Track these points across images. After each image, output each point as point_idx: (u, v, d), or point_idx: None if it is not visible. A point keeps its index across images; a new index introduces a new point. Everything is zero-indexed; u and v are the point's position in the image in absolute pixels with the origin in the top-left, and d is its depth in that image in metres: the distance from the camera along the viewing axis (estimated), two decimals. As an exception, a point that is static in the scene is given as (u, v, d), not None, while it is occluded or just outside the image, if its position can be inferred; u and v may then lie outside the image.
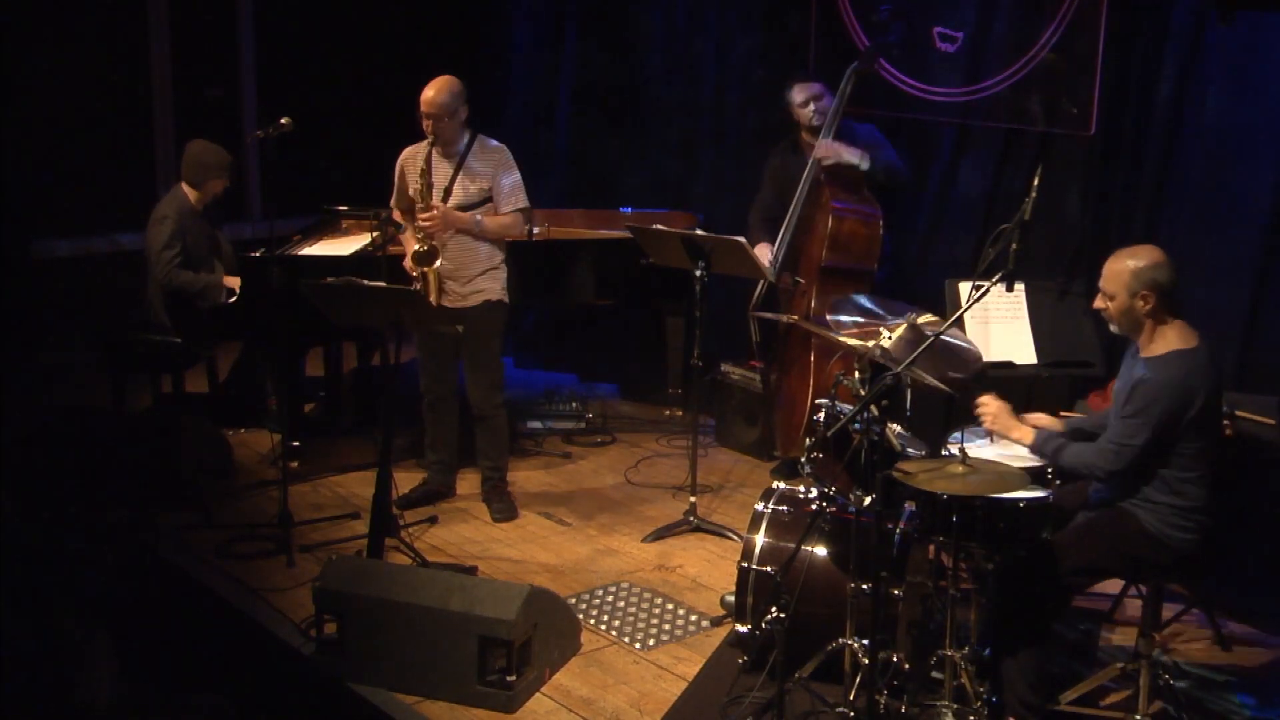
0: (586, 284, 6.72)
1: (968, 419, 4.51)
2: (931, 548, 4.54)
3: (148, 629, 4.56)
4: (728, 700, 4.42)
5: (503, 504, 6.03)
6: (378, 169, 6.01)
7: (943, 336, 4.26)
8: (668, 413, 7.25)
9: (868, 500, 4.14)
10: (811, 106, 6.10)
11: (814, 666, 4.43)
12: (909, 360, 4.10)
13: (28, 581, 4.32)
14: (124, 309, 6.68)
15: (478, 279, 5.75)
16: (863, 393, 4.26)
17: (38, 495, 5.62)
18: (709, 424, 6.91)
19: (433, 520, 5.93)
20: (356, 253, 6.47)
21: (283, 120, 5.59)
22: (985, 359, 5.05)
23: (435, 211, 5.58)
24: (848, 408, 4.41)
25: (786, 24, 6.99)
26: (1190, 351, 4.07)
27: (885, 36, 6.28)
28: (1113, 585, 4.93)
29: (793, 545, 4.31)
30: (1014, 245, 4.15)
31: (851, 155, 6.00)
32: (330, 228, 6.92)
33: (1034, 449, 4.23)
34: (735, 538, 5.70)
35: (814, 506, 4.59)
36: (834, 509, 4.51)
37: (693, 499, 5.89)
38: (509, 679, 4.42)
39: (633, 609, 5.19)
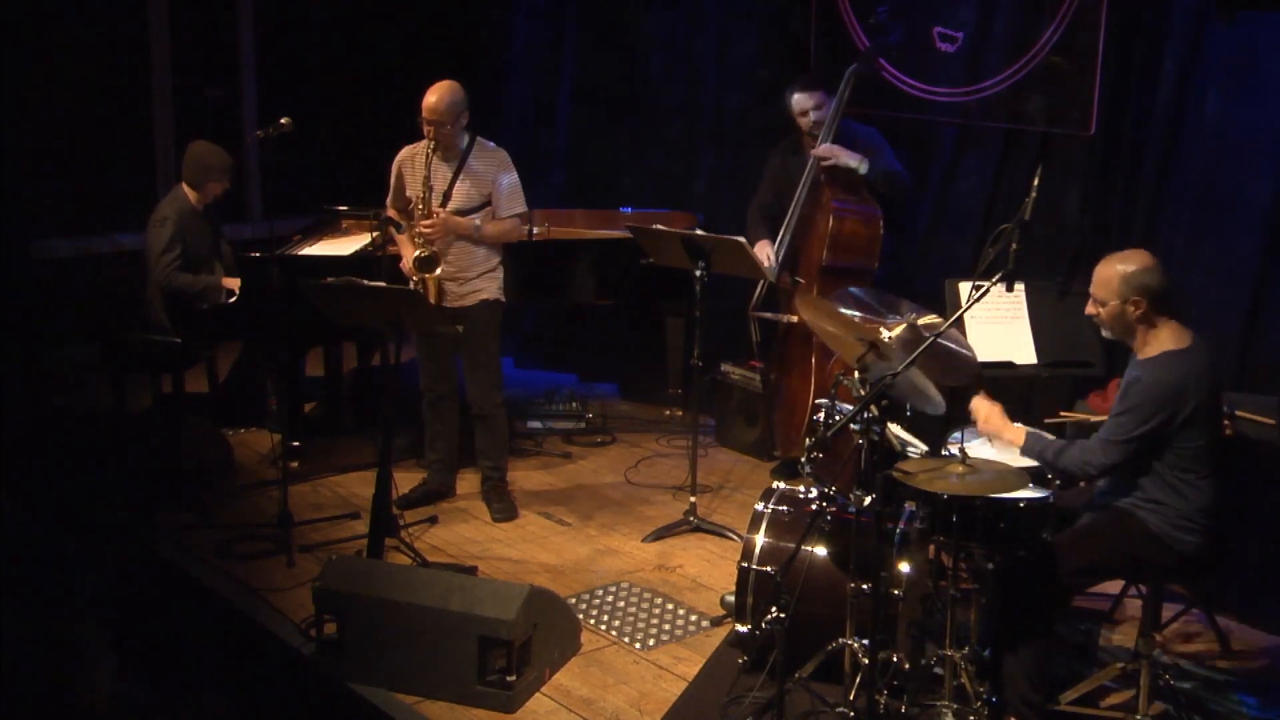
0: (586, 284, 6.72)
1: (968, 419, 4.50)
2: (931, 548, 4.54)
3: (148, 629, 4.56)
4: (728, 700, 4.42)
5: (503, 504, 6.03)
6: (378, 169, 6.01)
7: (940, 341, 4.25)
8: (668, 413, 7.26)
9: (868, 500, 4.14)
10: (811, 115, 6.11)
11: (814, 666, 4.43)
12: (908, 361, 4.10)
13: (28, 581, 4.33)
14: (124, 309, 6.68)
15: (475, 280, 5.75)
16: (863, 393, 4.26)
17: (38, 495, 5.62)
18: (709, 424, 6.91)
19: (433, 520, 5.93)
20: (356, 253, 6.47)
21: (283, 120, 5.59)
22: (985, 359, 5.04)
23: (436, 219, 5.58)
24: (848, 408, 4.41)
25: (787, 24, 6.99)
26: (1183, 351, 4.07)
27: (884, 37, 6.27)
28: (1113, 585, 4.93)
29: (793, 545, 4.31)
30: (1014, 245, 4.15)
31: (851, 159, 5.99)
32: (330, 228, 6.92)
33: (1025, 451, 4.22)
34: (735, 538, 5.70)
35: (814, 506, 4.59)
36: (834, 509, 4.51)
37: (693, 499, 5.89)
38: (509, 679, 4.42)
39: (633, 609, 5.19)
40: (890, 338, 4.34)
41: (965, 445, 4.16)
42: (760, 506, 4.75)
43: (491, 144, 5.78)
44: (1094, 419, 4.88)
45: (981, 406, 4.39)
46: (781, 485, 4.88)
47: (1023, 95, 6.00)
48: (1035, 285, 5.53)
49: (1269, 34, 5.22)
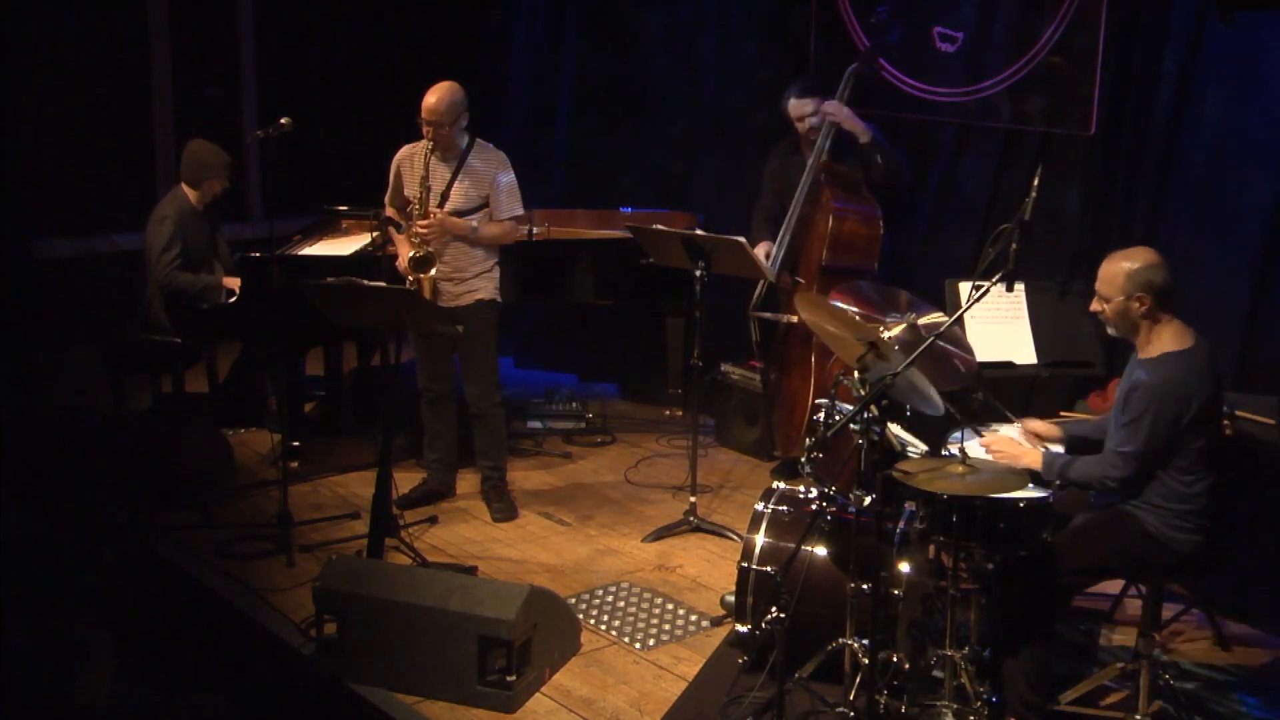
0: (586, 284, 6.72)
1: (968, 419, 4.50)
2: (931, 548, 4.54)
3: (148, 629, 4.56)
4: (728, 700, 4.42)
5: (503, 504, 6.03)
6: (378, 169, 6.01)
7: (939, 343, 4.25)
8: (668, 413, 7.26)
9: (868, 500, 4.14)
10: (807, 123, 6.11)
11: (814, 666, 4.43)
12: (907, 362, 4.10)
13: (28, 581, 4.32)
14: (124, 309, 6.68)
15: (472, 280, 5.75)
16: (863, 393, 4.26)
17: (38, 495, 5.62)
18: (709, 424, 6.91)
19: (433, 520, 5.93)
20: (356, 253, 6.47)
21: (283, 120, 5.59)
22: (985, 359, 5.04)
23: (433, 219, 5.58)
24: (848, 407, 4.41)
25: (787, 24, 6.99)
26: (1186, 352, 4.07)
27: (884, 37, 6.28)
28: (1113, 585, 4.94)
29: (793, 545, 4.31)
30: (1014, 245, 4.15)
31: (856, 124, 5.99)
32: (330, 228, 6.93)
33: (1044, 473, 4.21)
34: (735, 538, 5.70)
35: (814, 506, 4.59)
36: (834, 509, 4.51)
37: (693, 499, 5.89)
38: (509, 679, 4.42)
39: (633, 609, 5.19)
40: (890, 338, 4.34)
41: (965, 445, 4.16)
42: (760, 506, 4.75)
43: (491, 146, 5.78)
44: (1094, 419, 4.88)
45: (993, 444, 4.38)
46: (781, 485, 4.88)
47: (1023, 95, 6.00)
48: (1035, 285, 5.54)
49: (1269, 34, 5.22)
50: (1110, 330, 4.23)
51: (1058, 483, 4.19)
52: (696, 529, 5.84)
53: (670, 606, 5.21)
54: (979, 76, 6.16)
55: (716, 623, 5.07)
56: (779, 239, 6.22)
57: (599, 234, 6.96)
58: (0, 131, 7.40)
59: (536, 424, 7.15)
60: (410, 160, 5.73)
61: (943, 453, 4.34)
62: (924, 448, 4.56)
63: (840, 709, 4.25)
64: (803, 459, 4.63)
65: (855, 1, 6.59)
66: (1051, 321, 5.50)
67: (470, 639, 4.42)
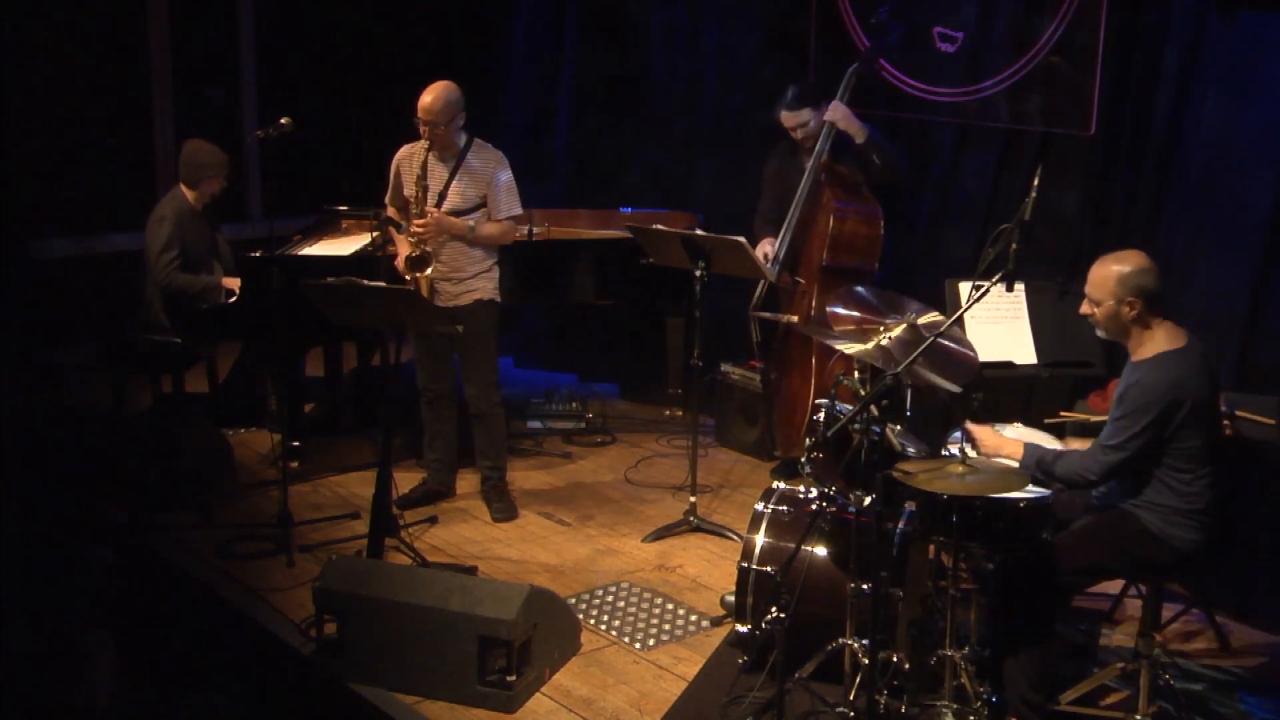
0: (586, 284, 6.72)
1: (968, 418, 4.50)
2: (931, 548, 4.54)
3: (148, 629, 4.56)
4: (728, 700, 4.42)
5: (503, 504, 6.03)
6: (378, 169, 6.01)
7: (940, 342, 4.25)
8: (668, 413, 7.26)
9: (868, 500, 4.14)
10: (799, 132, 6.12)
11: (814, 666, 4.43)
12: (908, 361, 4.10)
13: (28, 581, 4.32)
14: (124, 309, 6.68)
15: (471, 279, 5.75)
16: (863, 393, 4.26)
17: (38, 495, 5.62)
18: (709, 424, 6.91)
19: (433, 520, 5.93)
20: (356, 253, 6.47)
21: (283, 120, 5.59)
22: (985, 359, 5.04)
23: (429, 218, 5.58)
24: (848, 408, 4.41)
25: (787, 24, 6.99)
26: (1179, 351, 4.07)
27: (884, 37, 6.28)
28: (1113, 585, 4.94)
29: (793, 545, 4.31)
30: (1014, 245, 4.14)
31: (854, 125, 6.00)
32: (330, 228, 6.92)
33: (1024, 465, 4.21)
34: (735, 538, 5.70)
35: (814, 506, 4.59)
36: (834, 509, 4.51)
37: (693, 499, 5.89)
38: (509, 679, 4.42)
39: (633, 609, 5.19)
40: (890, 339, 4.34)
41: (965, 445, 4.16)
42: (760, 506, 4.75)
43: (489, 145, 5.78)
44: (1094, 419, 4.88)
45: (975, 431, 4.38)
46: (781, 485, 4.88)
47: (1022, 95, 6.00)
48: (1035, 285, 5.53)
49: (1269, 34, 5.22)
50: (1100, 333, 4.23)
51: (1036, 475, 4.19)
52: (696, 529, 5.84)
53: (670, 606, 5.21)
54: (979, 76, 6.16)
55: (716, 623, 5.07)
56: (779, 239, 6.22)
57: (599, 234, 6.96)
58: (0, 131, 7.40)
59: (536, 424, 7.15)
60: (409, 160, 5.73)
61: (943, 453, 4.34)
62: (924, 448, 4.56)
63: (840, 709, 4.25)
64: (803, 459, 4.63)
65: (855, 1, 6.59)
66: (1051, 321, 5.49)
67: (470, 639, 4.42)
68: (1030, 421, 4.77)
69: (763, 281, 6.28)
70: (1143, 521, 4.12)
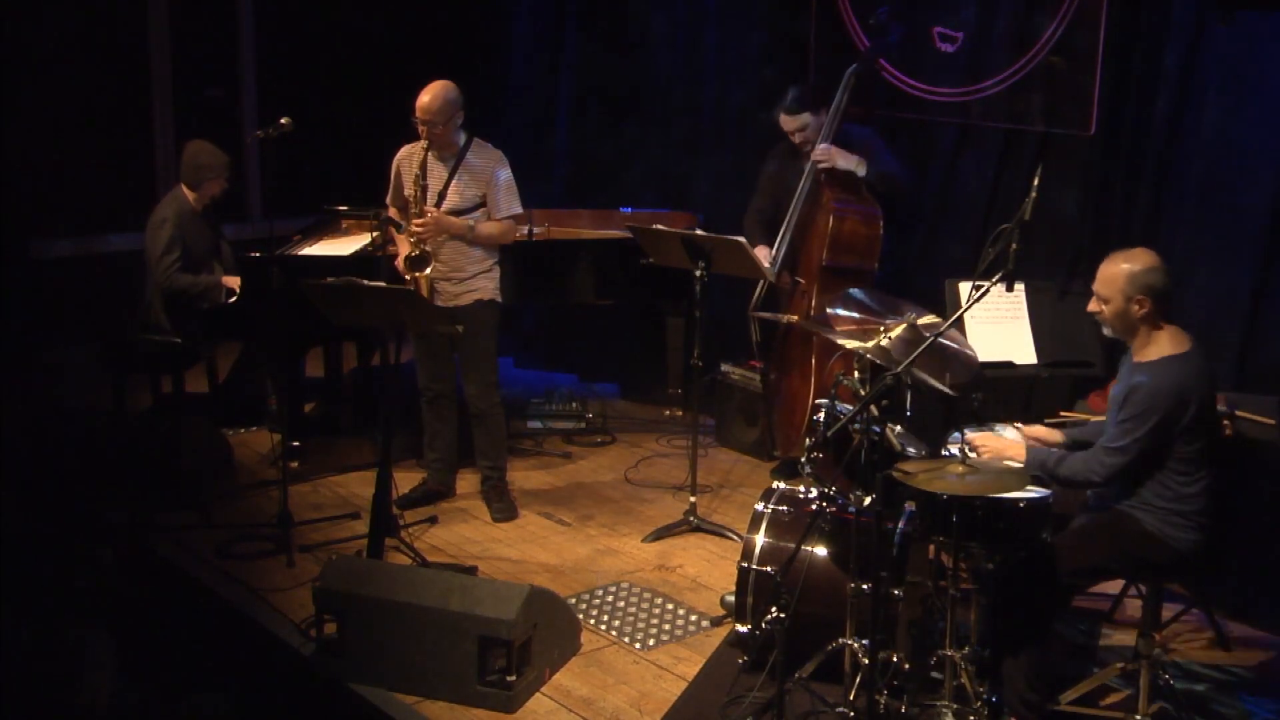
0: (586, 284, 6.72)
1: (968, 419, 4.50)
2: (931, 548, 4.54)
3: (148, 629, 4.56)
4: (728, 700, 4.42)
5: (503, 504, 6.03)
6: (378, 169, 6.01)
7: (940, 341, 4.25)
8: (668, 413, 7.26)
9: (868, 500, 4.14)
10: (797, 137, 6.12)
11: (814, 666, 4.43)
12: (907, 361, 4.10)
13: (28, 581, 4.33)
14: (124, 309, 6.68)
15: (471, 279, 5.75)
16: (863, 393, 4.25)
17: (38, 495, 5.62)
18: (709, 424, 6.91)
19: (433, 520, 5.93)
20: (356, 253, 6.47)
21: (283, 120, 5.59)
22: (985, 359, 5.05)
23: (428, 217, 5.58)
24: (848, 408, 4.41)
25: (788, 24, 6.99)
26: (1183, 356, 4.07)
27: (884, 37, 6.28)
28: (1113, 585, 4.94)
29: (793, 545, 4.31)
30: (1014, 245, 4.14)
31: (848, 162, 6.00)
32: (330, 228, 6.92)
33: (1027, 466, 4.20)
34: (735, 538, 5.70)
35: (814, 506, 4.59)
36: (834, 509, 4.51)
37: (693, 499, 5.89)
38: (509, 679, 4.42)
39: (633, 609, 5.19)
40: (890, 338, 4.34)
41: (965, 445, 4.16)
42: (760, 506, 4.75)
43: (489, 145, 5.78)
44: (1094, 419, 4.88)
45: (976, 439, 4.38)
46: (781, 485, 4.88)
47: (1022, 95, 6.00)
48: (1035, 285, 5.53)
49: (1269, 34, 5.22)
50: (1106, 331, 4.23)
51: (1040, 477, 4.18)
52: (696, 529, 5.84)
53: (670, 606, 5.21)
54: (979, 76, 6.16)
55: (716, 623, 5.07)
56: (779, 239, 6.22)
57: (599, 234, 6.96)
58: (0, 131, 7.40)
59: (536, 424, 7.15)
60: (409, 159, 5.73)
61: (943, 453, 4.34)
62: (924, 448, 4.56)
63: (840, 709, 4.25)
64: (803, 459, 4.63)
65: (855, 2, 6.59)
66: (1051, 321, 5.49)
67: (470, 639, 4.42)
68: (1030, 422, 4.77)
69: (762, 281, 6.27)
70: (1141, 522, 4.12)
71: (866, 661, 4.15)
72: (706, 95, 7.37)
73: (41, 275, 7.66)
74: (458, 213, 5.68)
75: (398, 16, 8.54)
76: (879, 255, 6.09)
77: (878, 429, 4.11)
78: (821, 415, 4.65)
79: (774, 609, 4.16)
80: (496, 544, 5.76)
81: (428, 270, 5.60)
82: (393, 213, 5.91)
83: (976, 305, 4.44)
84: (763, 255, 6.16)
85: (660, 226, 6.02)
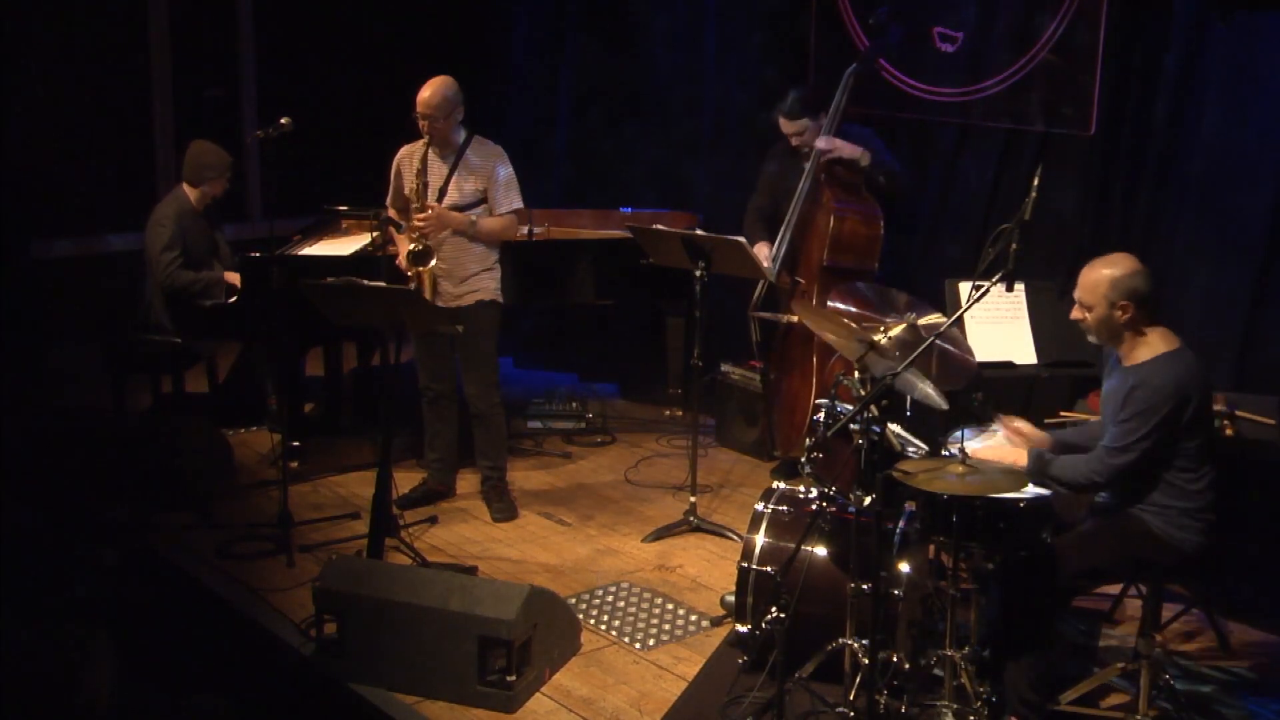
0: (586, 284, 6.72)
1: (968, 419, 4.50)
2: (931, 548, 4.54)
3: (148, 629, 4.56)
4: (728, 700, 4.42)
5: (503, 504, 6.03)
6: (378, 169, 6.01)
7: (938, 344, 4.25)
8: (668, 413, 7.26)
9: (868, 500, 4.14)
10: (795, 140, 6.13)
11: (814, 666, 4.43)
12: (907, 362, 4.09)
13: (28, 581, 4.32)
14: (124, 309, 6.68)
15: (472, 279, 5.75)
16: (863, 393, 4.26)
17: (38, 495, 5.62)
18: (709, 424, 6.91)
19: (433, 520, 5.93)
20: (356, 253, 6.47)
21: (283, 120, 5.59)
22: (985, 359, 5.05)
23: (430, 212, 5.58)
24: (848, 408, 4.41)
25: (788, 24, 6.99)
26: (1177, 353, 4.07)
27: (884, 37, 6.28)
28: (1113, 585, 4.93)
29: (793, 545, 4.31)
30: (1014, 245, 4.14)
31: (852, 152, 6.01)
32: (330, 228, 6.93)
33: (1028, 472, 4.19)
34: (735, 538, 5.70)
35: (814, 506, 4.59)
36: (834, 509, 4.51)
37: (693, 499, 5.89)
38: (509, 679, 4.42)
39: (633, 609, 5.19)
40: (889, 338, 4.34)
41: (965, 445, 4.16)
42: (760, 506, 4.75)
43: (489, 141, 5.78)
44: (1094, 419, 4.88)
45: (981, 451, 4.37)
46: (781, 485, 4.88)
47: (1022, 95, 6.00)
48: (1035, 285, 5.54)
49: (1269, 34, 5.22)
50: (1091, 338, 4.22)
51: (1043, 481, 4.18)
52: (696, 529, 5.84)
53: (670, 606, 5.21)
54: (979, 76, 6.16)
55: (716, 623, 5.07)
56: (779, 239, 6.22)
57: (599, 234, 6.96)
58: (1, 131, 7.40)
59: (536, 424, 7.15)
60: (409, 158, 5.73)
61: (943, 453, 4.34)
62: (924, 448, 4.56)
63: (840, 709, 4.25)
64: (803, 459, 4.63)
65: (855, 2, 6.59)
66: (1051, 321, 5.49)
67: (470, 639, 4.42)
68: (1030, 421, 4.77)
69: (762, 281, 6.28)
70: (1148, 524, 4.10)
71: (866, 661, 4.15)
72: (706, 95, 7.37)
73: (41, 275, 7.66)
74: (458, 209, 5.68)
75: (398, 16, 8.54)
76: (879, 255, 6.09)
77: (878, 429, 4.11)
78: (821, 415, 4.66)
79: (774, 609, 4.16)
80: (496, 544, 5.77)
81: (431, 264, 5.60)
82: (392, 214, 5.91)
83: (976, 305, 4.44)
84: (763, 252, 6.16)
85: (660, 226, 6.02)
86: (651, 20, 7.58)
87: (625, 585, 5.39)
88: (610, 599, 5.27)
